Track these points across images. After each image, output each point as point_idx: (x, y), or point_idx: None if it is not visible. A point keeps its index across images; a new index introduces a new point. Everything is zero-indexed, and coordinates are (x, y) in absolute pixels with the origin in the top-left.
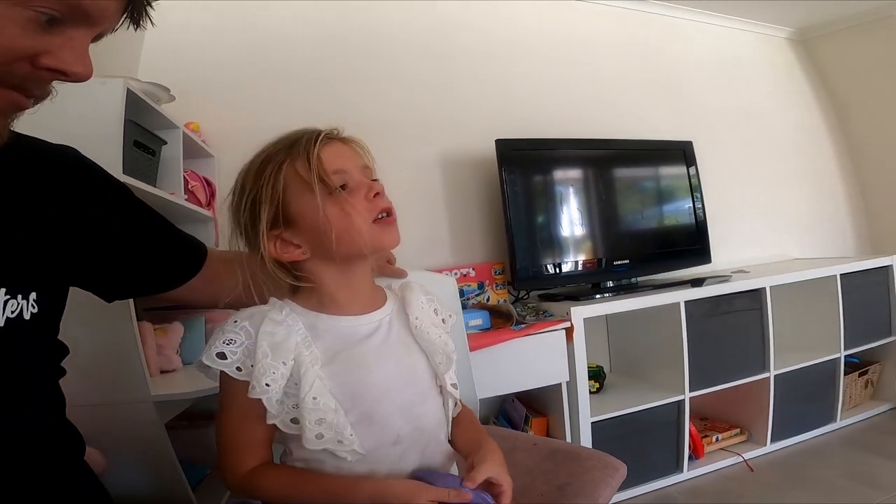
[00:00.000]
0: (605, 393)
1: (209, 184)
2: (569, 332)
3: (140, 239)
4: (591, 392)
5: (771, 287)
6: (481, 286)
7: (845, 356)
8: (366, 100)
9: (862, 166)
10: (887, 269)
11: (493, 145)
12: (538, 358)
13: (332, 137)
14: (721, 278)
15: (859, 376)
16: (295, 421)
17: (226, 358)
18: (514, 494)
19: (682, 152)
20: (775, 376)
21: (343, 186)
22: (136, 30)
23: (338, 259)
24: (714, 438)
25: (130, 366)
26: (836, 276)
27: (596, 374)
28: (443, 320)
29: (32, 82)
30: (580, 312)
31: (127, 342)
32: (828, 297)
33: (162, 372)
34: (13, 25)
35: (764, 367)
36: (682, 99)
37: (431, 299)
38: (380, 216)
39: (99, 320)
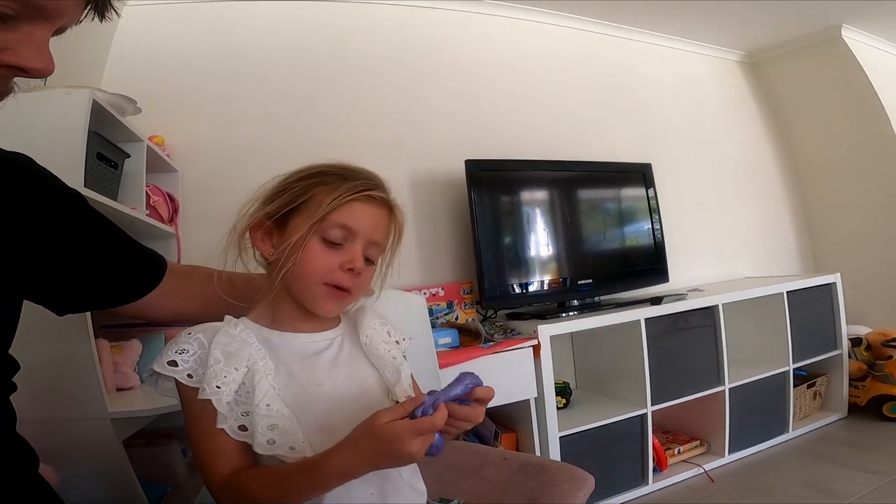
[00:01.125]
0: (572, 408)
1: (172, 199)
2: (536, 349)
3: (93, 250)
4: (558, 407)
5: (723, 304)
6: (450, 305)
7: (794, 369)
8: (334, 117)
9: (806, 187)
10: (831, 286)
11: (462, 165)
12: (507, 375)
13: (374, 198)
14: (678, 297)
15: (808, 388)
16: (243, 428)
17: (177, 366)
18: None
19: (641, 174)
20: (730, 389)
21: (335, 243)
22: (101, 21)
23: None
24: (676, 451)
25: (87, 382)
26: (783, 293)
27: (562, 390)
28: (396, 342)
29: None
30: (547, 331)
31: (83, 358)
32: (776, 313)
33: (119, 389)
34: None
35: (719, 380)
36: (643, 120)
37: (384, 322)
38: (334, 285)
39: (55, 336)
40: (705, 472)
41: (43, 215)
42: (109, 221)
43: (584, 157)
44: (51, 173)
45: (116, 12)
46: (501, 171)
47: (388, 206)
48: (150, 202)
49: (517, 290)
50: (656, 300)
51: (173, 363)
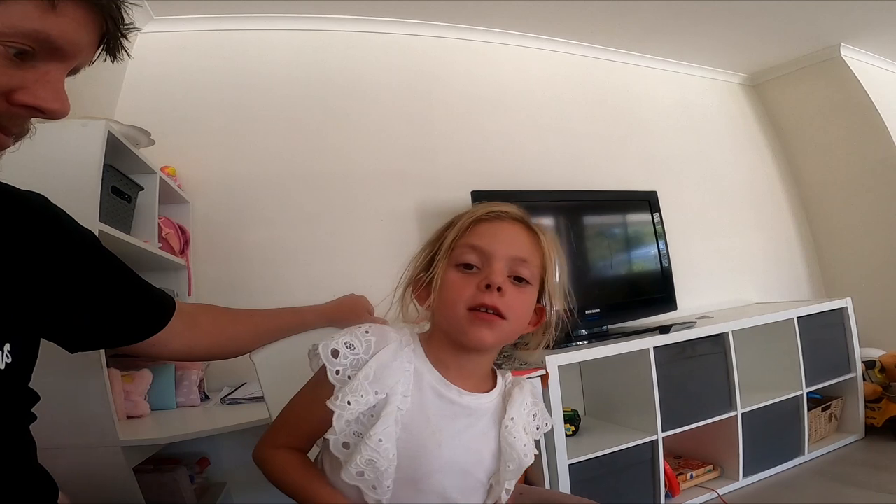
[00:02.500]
0: (581, 436)
1: (183, 231)
2: (544, 379)
3: (105, 292)
4: (567, 435)
5: (733, 331)
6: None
7: (807, 392)
8: (343, 149)
9: (812, 210)
10: (842, 310)
11: (468, 196)
12: None
13: (503, 217)
14: (686, 325)
15: (822, 411)
16: (346, 445)
17: (336, 357)
18: None
19: (647, 202)
20: (742, 414)
21: (469, 266)
22: (113, 62)
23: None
24: (688, 476)
25: (99, 411)
26: (793, 319)
27: (571, 418)
28: (537, 428)
29: (9, 119)
30: (555, 361)
31: (96, 388)
32: (787, 339)
33: (130, 417)
34: None
35: (731, 405)
36: (647, 145)
37: (536, 403)
38: (479, 309)
39: (68, 366)
40: (719, 496)
41: (57, 257)
42: (121, 262)
43: (589, 185)
44: (65, 213)
45: (128, 53)
46: (508, 201)
47: (526, 225)
48: (163, 234)
49: None
50: (665, 329)
51: (335, 353)
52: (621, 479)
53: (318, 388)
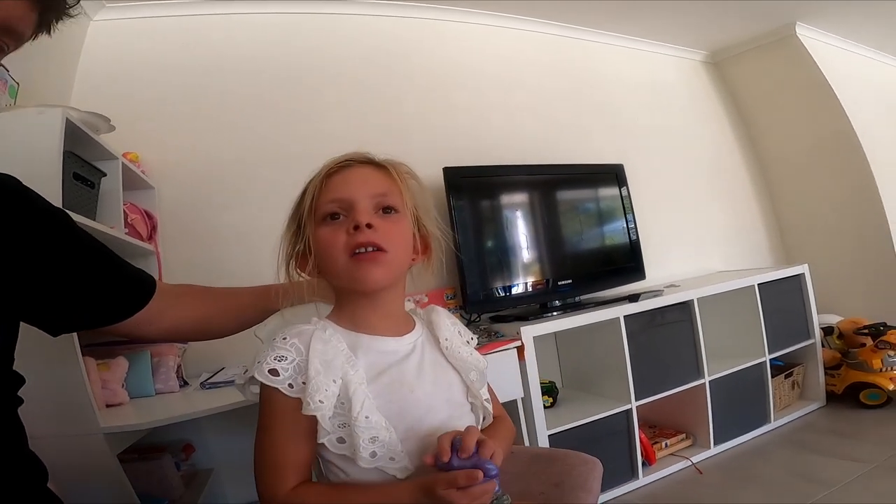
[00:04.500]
0: (559, 407)
1: (150, 216)
2: (520, 350)
3: (81, 270)
4: (545, 406)
5: (698, 298)
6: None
7: (770, 359)
8: (312, 130)
9: (772, 181)
10: (800, 276)
11: (440, 173)
12: (493, 377)
13: (352, 164)
14: (654, 293)
15: (785, 378)
16: (341, 440)
17: (278, 374)
18: (516, 498)
19: (614, 175)
20: (710, 382)
21: (335, 215)
22: (50, 35)
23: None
24: (663, 444)
25: (78, 399)
26: (754, 285)
27: (549, 390)
28: (467, 341)
29: None
30: (530, 332)
31: (73, 376)
32: (749, 306)
33: (109, 406)
34: None
35: (699, 373)
36: (614, 121)
37: (455, 322)
38: (358, 251)
39: (44, 356)
40: (693, 464)
41: (31, 236)
42: (96, 241)
43: (559, 160)
44: (37, 194)
45: (55, 26)
46: (479, 177)
47: (374, 164)
48: (129, 220)
49: (500, 294)
50: (634, 297)
51: (274, 371)
52: (599, 449)
53: (280, 415)
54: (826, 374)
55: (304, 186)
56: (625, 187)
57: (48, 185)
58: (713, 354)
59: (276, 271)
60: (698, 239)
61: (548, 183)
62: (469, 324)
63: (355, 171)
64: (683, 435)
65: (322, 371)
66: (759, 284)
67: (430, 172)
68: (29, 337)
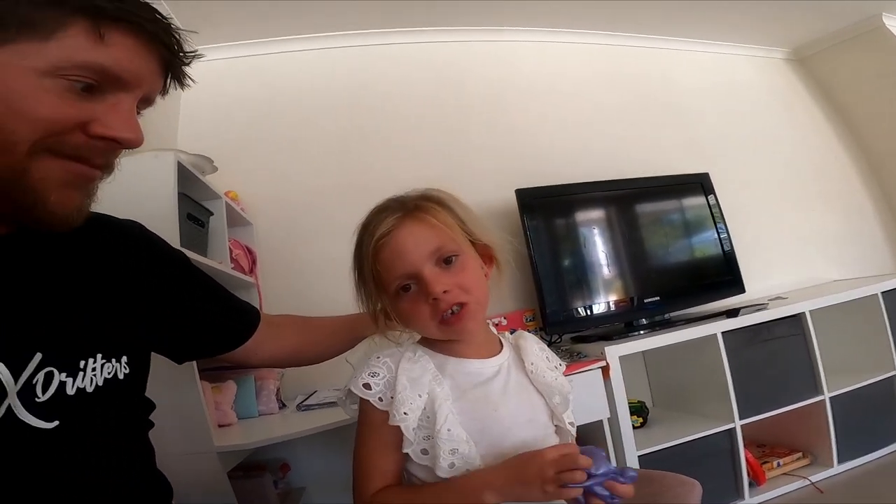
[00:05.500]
0: (650, 427)
1: (250, 251)
2: (605, 370)
3: (202, 307)
4: (634, 427)
5: (811, 311)
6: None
7: None
8: (383, 161)
9: (885, 179)
10: None
11: (513, 195)
12: (577, 397)
13: (390, 231)
14: (757, 307)
15: None
16: (425, 452)
17: (370, 388)
18: None
19: (699, 185)
20: (831, 398)
21: (407, 287)
22: (182, 89)
23: None
24: (775, 464)
25: (196, 420)
26: (877, 294)
27: (638, 410)
28: (555, 367)
29: (90, 151)
30: (615, 351)
31: (192, 399)
32: (872, 316)
33: (220, 426)
34: (49, 96)
35: (816, 390)
36: (692, 129)
37: (543, 348)
38: (445, 315)
39: (168, 380)
40: (812, 483)
41: (157, 278)
42: (210, 278)
43: (634, 174)
44: (159, 237)
45: (191, 78)
46: (553, 196)
47: (409, 215)
48: (233, 255)
49: (581, 313)
50: (732, 312)
51: (367, 386)
52: (698, 469)
53: (372, 426)
54: None
55: (356, 257)
56: (712, 195)
57: (168, 225)
58: (833, 370)
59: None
60: (804, 247)
61: (625, 198)
62: (550, 345)
63: (401, 236)
64: (800, 454)
65: (408, 387)
66: (883, 293)
67: (502, 195)
68: (156, 365)
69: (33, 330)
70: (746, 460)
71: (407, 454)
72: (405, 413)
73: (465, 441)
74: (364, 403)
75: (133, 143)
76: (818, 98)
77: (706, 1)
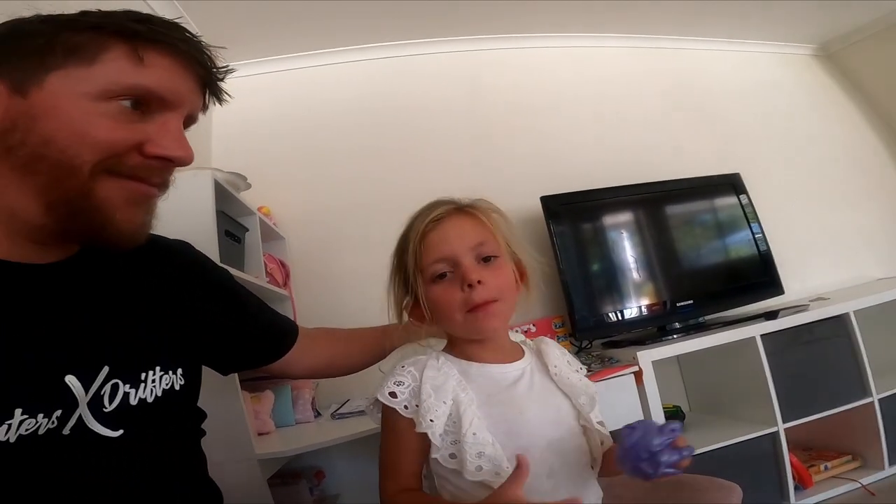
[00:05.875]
0: (688, 431)
1: (283, 265)
2: (637, 375)
3: (246, 321)
4: None
5: (855, 311)
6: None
7: None
8: (412, 171)
9: None
10: None
11: (538, 202)
12: (609, 403)
13: (443, 218)
14: (797, 308)
15: None
16: (453, 456)
17: (396, 397)
18: None
19: (730, 185)
20: (880, 400)
21: (443, 275)
22: (220, 104)
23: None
24: (822, 467)
25: (238, 429)
26: None
27: (674, 414)
28: (577, 370)
29: (147, 171)
30: (647, 356)
31: (234, 408)
32: None
33: (259, 434)
34: (105, 119)
35: (864, 392)
36: (721, 130)
37: (564, 353)
38: (471, 309)
39: (211, 392)
40: (863, 486)
41: (209, 296)
42: (252, 294)
43: (662, 176)
44: (207, 257)
45: (228, 94)
46: (579, 202)
47: (462, 211)
48: (268, 270)
49: (612, 318)
50: (771, 314)
51: (393, 394)
52: (740, 474)
53: (397, 431)
54: None
55: (401, 241)
56: (744, 195)
57: (208, 242)
58: (881, 371)
59: (388, 314)
60: (846, 245)
61: (653, 200)
62: (580, 351)
63: (449, 224)
64: (849, 456)
65: (433, 394)
66: None
67: (527, 203)
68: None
69: (101, 345)
70: (791, 464)
71: (436, 458)
72: (431, 420)
73: (490, 444)
74: (390, 411)
75: (186, 161)
76: (850, 93)
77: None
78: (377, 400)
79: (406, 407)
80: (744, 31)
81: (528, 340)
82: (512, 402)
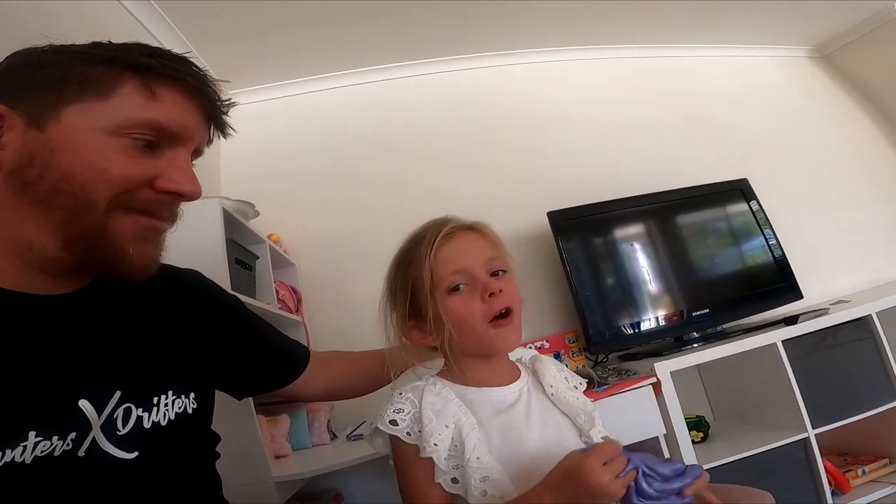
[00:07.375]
0: (713, 441)
1: (295, 291)
2: (656, 386)
3: (259, 347)
4: (695, 442)
5: (877, 313)
6: (557, 356)
7: None
8: (419, 193)
9: None
10: None
11: (545, 218)
12: (628, 416)
13: (454, 233)
14: (817, 312)
15: None
16: (455, 481)
17: (397, 424)
18: None
19: (739, 191)
20: None
21: (457, 288)
22: (224, 138)
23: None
24: (860, 472)
25: (254, 452)
26: None
27: (697, 424)
28: (574, 387)
29: (158, 206)
30: (665, 367)
31: (250, 432)
32: None
33: (276, 457)
34: (119, 155)
35: (894, 393)
36: (725, 136)
37: (561, 369)
38: (497, 316)
39: (227, 415)
40: None
41: (221, 324)
42: (263, 320)
43: (669, 186)
44: (217, 285)
45: (232, 127)
46: (586, 216)
47: (469, 228)
48: (280, 296)
49: (627, 331)
50: (791, 320)
51: (394, 422)
52: (771, 481)
53: (407, 460)
54: None
55: (404, 259)
56: (754, 201)
57: (218, 271)
58: None
59: (384, 339)
60: (862, 247)
61: (662, 211)
62: (596, 365)
63: (461, 239)
64: (886, 460)
65: (434, 419)
66: None
67: (534, 218)
68: (216, 401)
69: (112, 371)
70: (826, 469)
71: (439, 483)
72: (435, 444)
73: (495, 467)
74: (394, 439)
75: (195, 196)
76: (850, 92)
77: (721, 1)
78: (377, 428)
79: (409, 434)
80: (739, 34)
81: (523, 359)
82: (511, 424)
